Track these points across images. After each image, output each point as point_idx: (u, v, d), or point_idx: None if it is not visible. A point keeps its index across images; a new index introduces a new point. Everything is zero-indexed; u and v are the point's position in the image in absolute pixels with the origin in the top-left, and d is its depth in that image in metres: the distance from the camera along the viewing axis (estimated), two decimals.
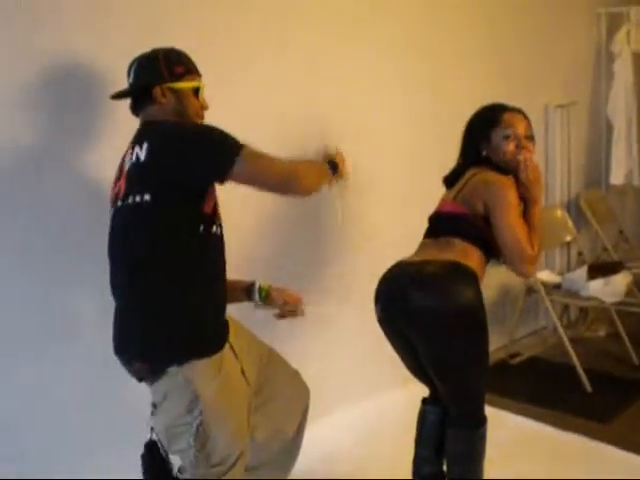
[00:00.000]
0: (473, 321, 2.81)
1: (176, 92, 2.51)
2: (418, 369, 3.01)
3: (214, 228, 2.46)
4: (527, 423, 4.07)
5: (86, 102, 2.97)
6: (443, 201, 3.12)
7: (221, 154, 2.38)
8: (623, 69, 5.65)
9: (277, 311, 2.88)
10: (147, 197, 2.35)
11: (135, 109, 2.58)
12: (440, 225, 3.06)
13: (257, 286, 2.84)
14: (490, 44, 4.80)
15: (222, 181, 2.40)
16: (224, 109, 3.26)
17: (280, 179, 2.49)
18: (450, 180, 3.15)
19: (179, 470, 2.53)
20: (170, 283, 2.40)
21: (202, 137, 2.39)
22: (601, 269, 4.79)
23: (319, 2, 3.83)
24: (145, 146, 2.36)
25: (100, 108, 2.95)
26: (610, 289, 4.61)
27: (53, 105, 2.90)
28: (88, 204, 2.97)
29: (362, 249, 4.02)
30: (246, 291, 2.84)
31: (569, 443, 3.84)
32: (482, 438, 2.96)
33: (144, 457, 2.55)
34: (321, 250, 3.86)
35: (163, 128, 2.45)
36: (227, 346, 2.51)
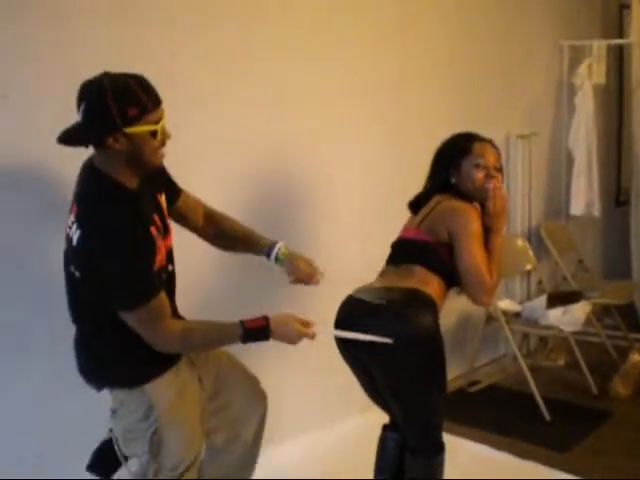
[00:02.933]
0: (429, 349, 2.82)
1: (131, 137, 2.30)
2: (377, 395, 3.01)
3: (162, 276, 2.49)
4: (486, 451, 4.07)
5: None
6: (407, 227, 3.14)
7: (117, 299, 2.36)
8: (584, 102, 5.72)
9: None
10: (77, 274, 2.41)
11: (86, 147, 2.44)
12: (402, 252, 3.07)
13: (275, 251, 2.85)
14: (453, 73, 4.84)
15: None
16: (191, 142, 3.29)
17: (151, 343, 2.42)
18: (415, 205, 3.17)
19: (134, 475, 2.59)
20: (116, 324, 2.41)
21: (113, 273, 2.31)
22: (560, 298, 4.82)
23: (287, 35, 3.85)
24: (78, 234, 2.34)
25: None
26: (569, 318, 4.64)
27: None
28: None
29: (324, 274, 4.01)
30: (265, 252, 2.87)
31: (528, 472, 3.84)
32: (440, 466, 2.96)
33: (100, 451, 2.63)
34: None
35: (92, 231, 2.33)
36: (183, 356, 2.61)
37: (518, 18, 5.38)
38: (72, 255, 2.40)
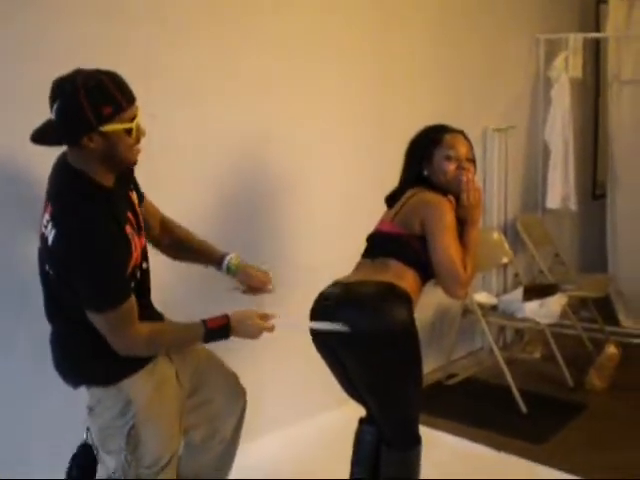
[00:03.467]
0: (404, 342, 2.81)
1: (106, 135, 2.29)
2: (353, 389, 3.00)
3: (136, 274, 2.48)
4: (463, 444, 4.08)
5: None
6: (382, 221, 3.13)
7: (88, 300, 2.34)
8: (561, 95, 5.73)
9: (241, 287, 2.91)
10: (52, 273, 2.39)
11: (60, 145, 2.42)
12: (377, 245, 3.06)
13: (227, 261, 2.85)
14: (431, 68, 4.84)
15: None
16: (172, 136, 3.27)
17: (116, 347, 2.40)
18: (391, 199, 3.17)
19: (113, 472, 2.54)
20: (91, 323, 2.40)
21: (85, 273, 2.31)
22: (536, 291, 4.85)
23: (270, 31, 3.83)
24: (53, 233, 2.31)
25: None
26: (545, 311, 4.66)
27: None
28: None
29: (298, 270, 4.00)
30: (217, 263, 2.87)
31: (505, 464, 3.85)
32: (416, 459, 2.96)
33: (76, 457, 2.60)
34: None
35: (67, 231, 2.31)
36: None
37: (494, 12, 5.37)
38: (47, 255, 2.38)
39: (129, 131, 2.34)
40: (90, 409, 2.54)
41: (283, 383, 4.03)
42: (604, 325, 5.60)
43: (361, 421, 3.15)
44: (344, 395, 3.11)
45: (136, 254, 2.44)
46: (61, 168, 2.42)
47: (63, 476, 2.64)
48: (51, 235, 2.31)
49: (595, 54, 6.49)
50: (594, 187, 6.81)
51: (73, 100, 2.25)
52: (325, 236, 4.17)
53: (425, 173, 3.09)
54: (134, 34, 3.22)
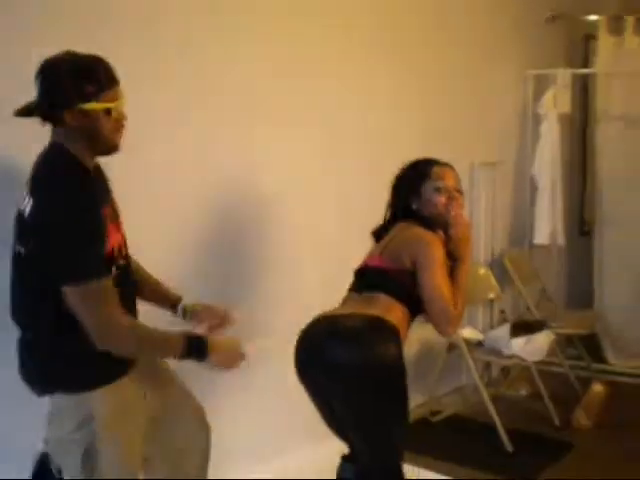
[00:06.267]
0: (391, 377, 2.77)
1: (87, 113, 2.33)
2: (337, 425, 2.95)
3: (112, 270, 2.41)
4: None
5: None
6: (370, 255, 3.11)
7: (65, 272, 2.27)
8: (549, 131, 5.73)
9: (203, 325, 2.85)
10: (22, 250, 2.35)
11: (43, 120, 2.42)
12: (365, 279, 3.04)
13: (182, 306, 2.83)
14: (418, 100, 4.82)
15: None
16: (157, 156, 3.22)
17: (94, 329, 2.30)
18: (379, 234, 3.13)
19: None
20: (62, 325, 2.33)
21: (63, 242, 2.26)
22: (523, 327, 4.80)
23: (256, 52, 3.78)
24: (30, 203, 2.30)
25: None
26: (532, 348, 4.61)
27: None
28: None
29: (282, 305, 3.94)
30: (172, 306, 2.84)
31: None
32: None
33: (36, 474, 2.51)
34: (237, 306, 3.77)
35: (46, 199, 2.29)
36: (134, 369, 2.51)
37: (482, 46, 5.37)
38: (22, 230, 2.34)
39: (109, 112, 2.37)
40: (50, 417, 2.44)
41: (261, 417, 3.93)
42: (591, 362, 5.56)
43: (343, 458, 3.08)
44: (325, 430, 3.05)
45: (112, 241, 2.40)
46: (45, 148, 2.42)
47: None
48: (28, 206, 2.29)
49: (584, 90, 6.50)
50: (581, 223, 6.79)
51: (57, 77, 2.32)
52: (312, 267, 4.11)
53: (413, 207, 3.07)
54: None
